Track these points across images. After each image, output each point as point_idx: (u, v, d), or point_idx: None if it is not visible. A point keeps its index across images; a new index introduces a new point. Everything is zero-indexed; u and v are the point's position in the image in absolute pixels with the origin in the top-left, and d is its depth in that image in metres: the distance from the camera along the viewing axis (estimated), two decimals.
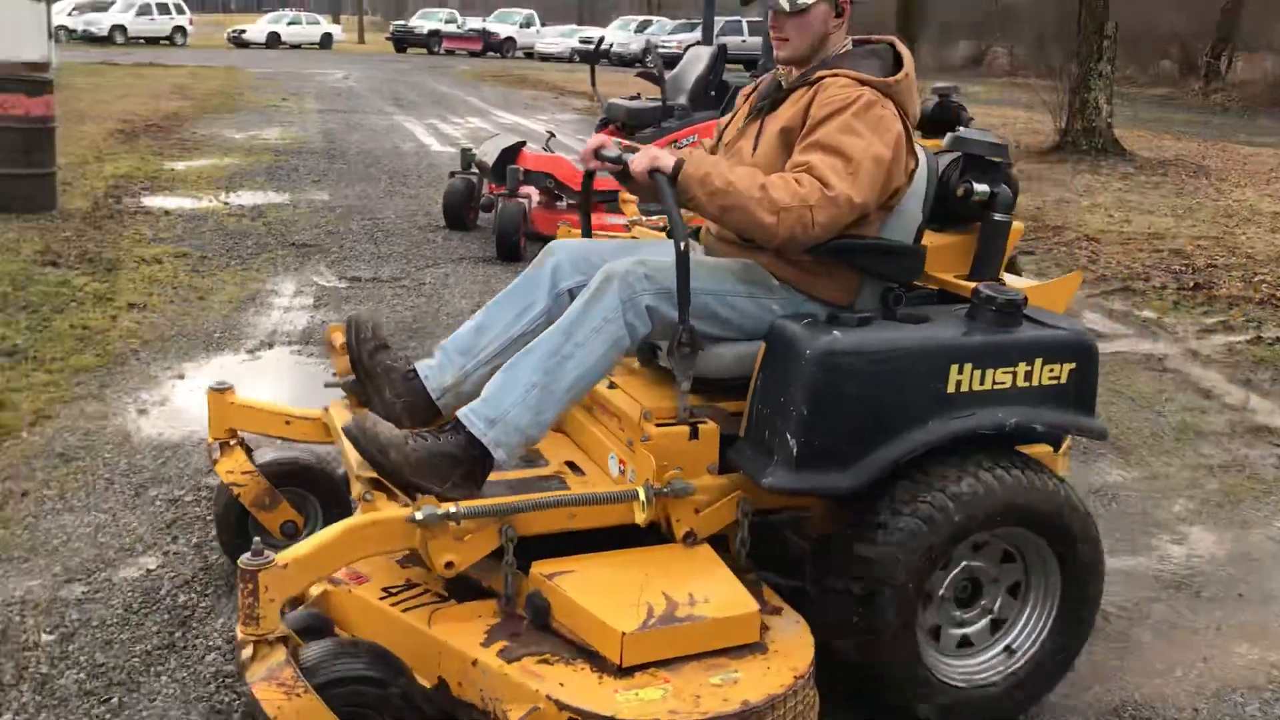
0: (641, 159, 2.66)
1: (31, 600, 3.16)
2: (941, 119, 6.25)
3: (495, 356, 2.79)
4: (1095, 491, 4.29)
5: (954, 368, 2.63)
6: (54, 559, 3.39)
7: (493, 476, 2.67)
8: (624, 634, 2.31)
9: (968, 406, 2.65)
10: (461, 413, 2.59)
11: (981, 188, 2.99)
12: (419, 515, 2.39)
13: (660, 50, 10.57)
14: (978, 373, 2.65)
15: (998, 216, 3.01)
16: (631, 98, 9.08)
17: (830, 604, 2.62)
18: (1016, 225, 3.13)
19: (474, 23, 46.16)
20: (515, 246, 7.68)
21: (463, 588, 2.61)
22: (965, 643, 2.77)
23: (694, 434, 2.69)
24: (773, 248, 2.72)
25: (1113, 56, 15.12)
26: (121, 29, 38.71)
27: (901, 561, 2.54)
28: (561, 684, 2.28)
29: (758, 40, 30.63)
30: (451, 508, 2.41)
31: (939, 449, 2.61)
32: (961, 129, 4.00)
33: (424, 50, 43.36)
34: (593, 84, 9.49)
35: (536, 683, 2.27)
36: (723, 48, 9.28)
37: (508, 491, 2.63)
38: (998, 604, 2.78)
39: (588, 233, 3.28)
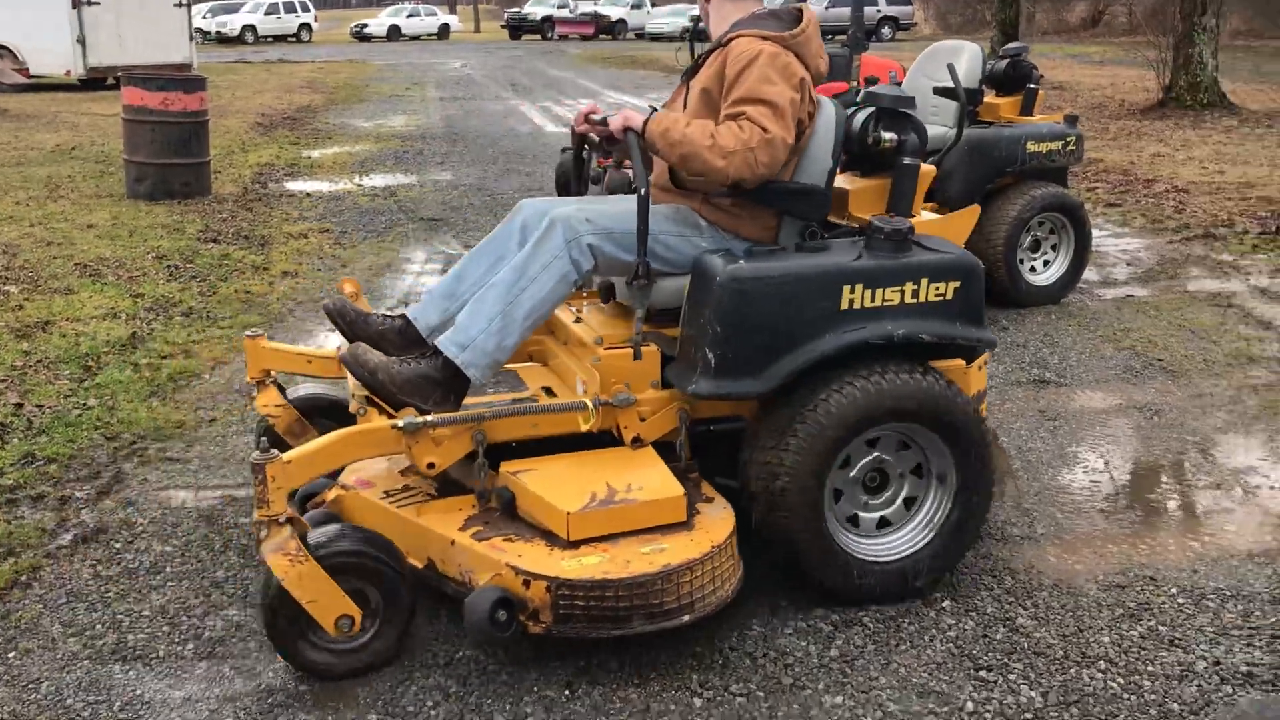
0: (617, 119, 3.17)
1: (230, 495, 3.93)
2: (1015, 77, 6.70)
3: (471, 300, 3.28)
4: (1140, 407, 4.75)
5: (846, 288, 3.05)
6: (243, 466, 4.16)
7: (480, 399, 3.30)
8: (569, 513, 2.87)
9: (859, 321, 3.07)
10: (439, 340, 3.11)
11: (889, 135, 3.46)
12: (401, 423, 2.93)
13: None
14: (868, 292, 3.06)
15: (907, 160, 3.47)
16: None
17: (755, 499, 3.09)
18: (926, 168, 3.59)
19: (586, 6, 46.97)
20: None
21: (453, 489, 3.20)
22: (884, 523, 3.25)
23: (637, 355, 3.17)
24: (727, 186, 3.15)
25: (1218, 9, 15.01)
26: (252, 29, 40.73)
27: (804, 457, 3.00)
28: (520, 555, 2.85)
29: (836, 11, 31.28)
30: (429, 417, 2.96)
31: (837, 359, 3.06)
32: (875, 87, 4.37)
33: (538, 36, 44.40)
34: (692, 56, 10.03)
35: (499, 554, 2.86)
36: None
37: (487, 409, 3.13)
38: (904, 489, 3.24)
39: (584, 190, 3.75)
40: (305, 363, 3.65)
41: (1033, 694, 2.81)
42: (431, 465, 3.00)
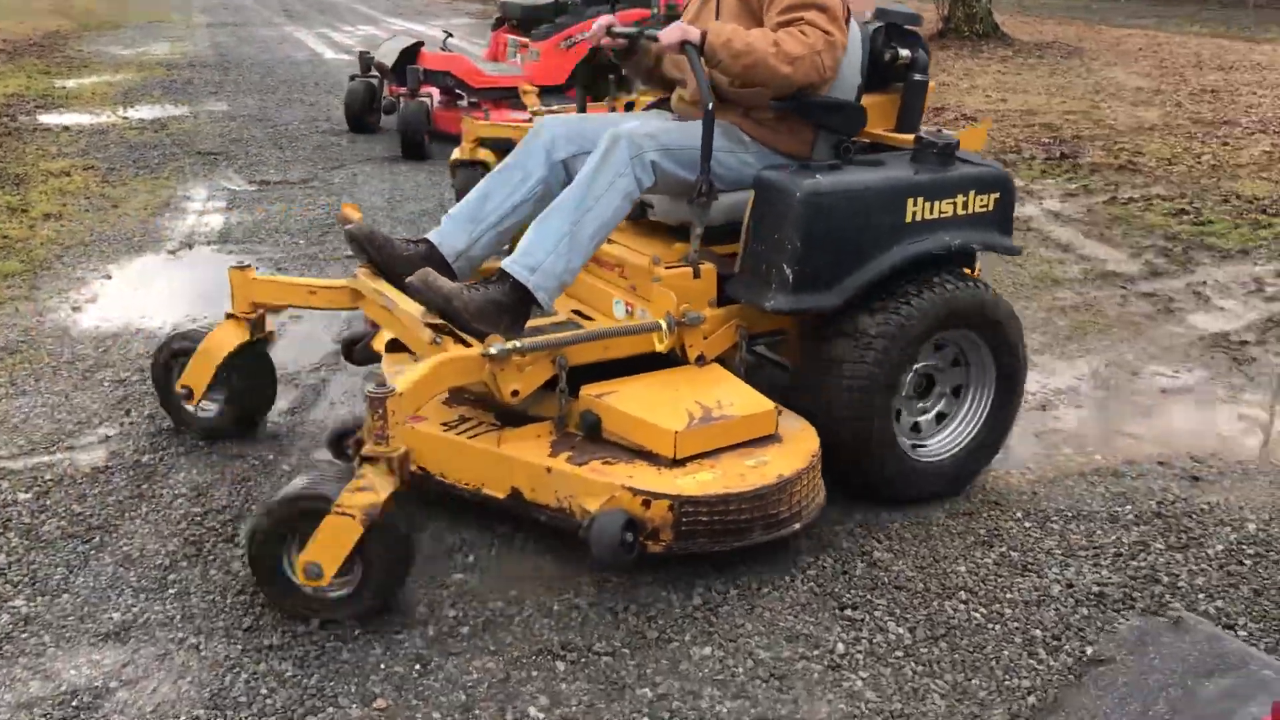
0: (672, 32, 3.06)
1: (3, 467, 3.47)
2: None
3: (499, 221, 3.26)
4: None
5: (909, 201, 3.17)
6: (17, 434, 3.68)
7: (536, 323, 3.20)
8: (676, 432, 2.86)
9: (921, 233, 3.20)
10: (505, 264, 3.02)
11: (904, 52, 3.47)
12: (493, 350, 2.81)
13: None
14: (928, 204, 3.20)
15: (917, 76, 3.52)
16: None
17: (829, 402, 3.14)
18: (930, 84, 3.65)
19: None
20: (420, 145, 7.91)
21: (508, 417, 3.10)
22: (930, 424, 3.42)
23: (696, 274, 3.19)
24: (789, 92, 3.15)
25: None
26: None
27: (882, 367, 3.10)
28: (630, 476, 2.82)
29: None
30: (517, 343, 2.85)
31: (902, 270, 3.17)
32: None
33: None
34: None
35: (609, 477, 2.81)
36: None
37: (567, 333, 3.05)
38: (944, 397, 3.42)
39: (583, 107, 3.74)
40: (308, 294, 3.43)
41: (900, 630, 2.76)
42: (515, 392, 2.90)
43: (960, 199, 3.25)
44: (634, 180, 3.09)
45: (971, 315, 3.26)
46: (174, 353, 3.60)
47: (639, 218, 3.57)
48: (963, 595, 2.90)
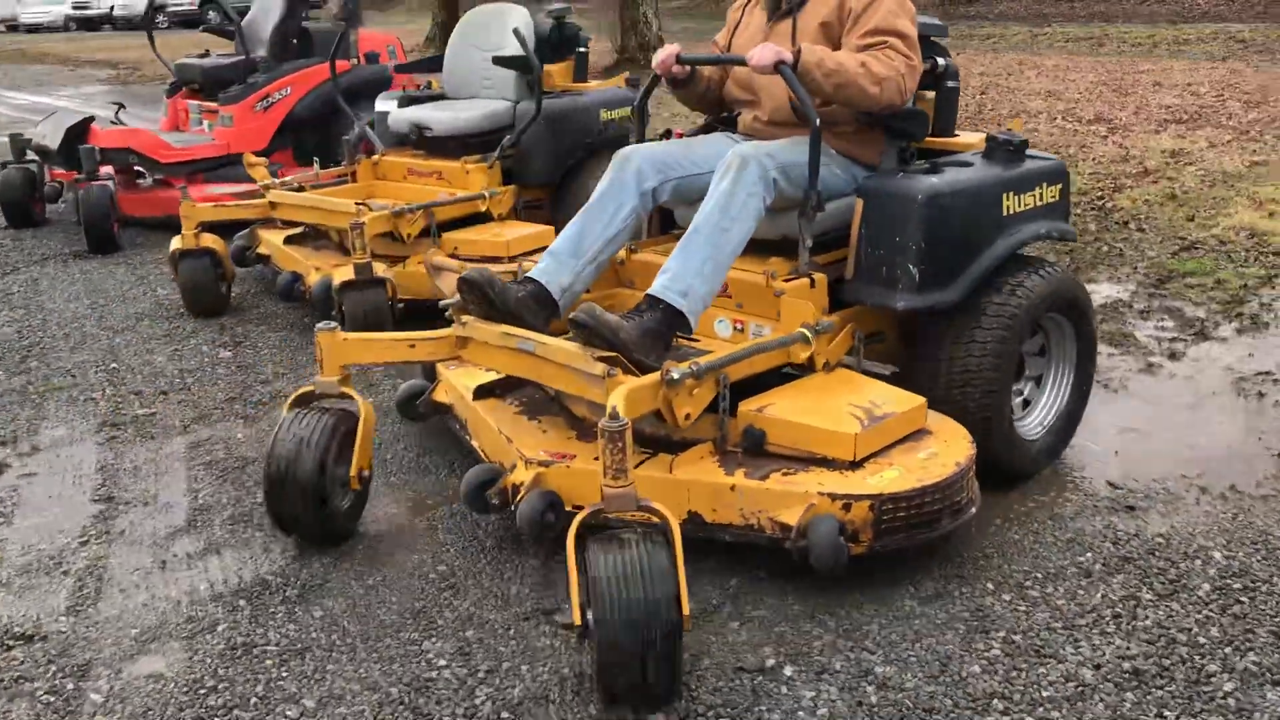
0: (766, 53, 3.18)
1: None
2: (564, 40, 6.18)
3: (598, 255, 3.30)
4: None
5: (1004, 196, 3.41)
6: None
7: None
8: (856, 435, 2.91)
9: (1016, 225, 3.45)
10: (657, 291, 3.04)
11: (941, 61, 3.69)
12: (675, 374, 2.81)
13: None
14: (1017, 198, 3.45)
15: (950, 83, 3.75)
16: (201, 55, 8.24)
17: (955, 391, 3.29)
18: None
19: None
20: (110, 236, 6.77)
21: (650, 443, 3.11)
22: (1024, 404, 3.64)
23: (812, 284, 3.30)
24: (876, 111, 3.35)
25: None
26: None
27: (1004, 346, 3.29)
28: (820, 482, 2.86)
29: None
30: (691, 367, 2.87)
31: (1005, 261, 3.39)
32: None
33: None
34: (153, 47, 8.46)
35: (799, 486, 2.85)
36: None
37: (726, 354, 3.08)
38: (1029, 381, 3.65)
39: (642, 137, 3.84)
40: (407, 349, 3.28)
41: None
42: (688, 415, 2.90)
43: (1038, 191, 3.53)
44: (763, 199, 3.19)
45: (1064, 298, 3.49)
46: None
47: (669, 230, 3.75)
48: (999, 705, 2.50)
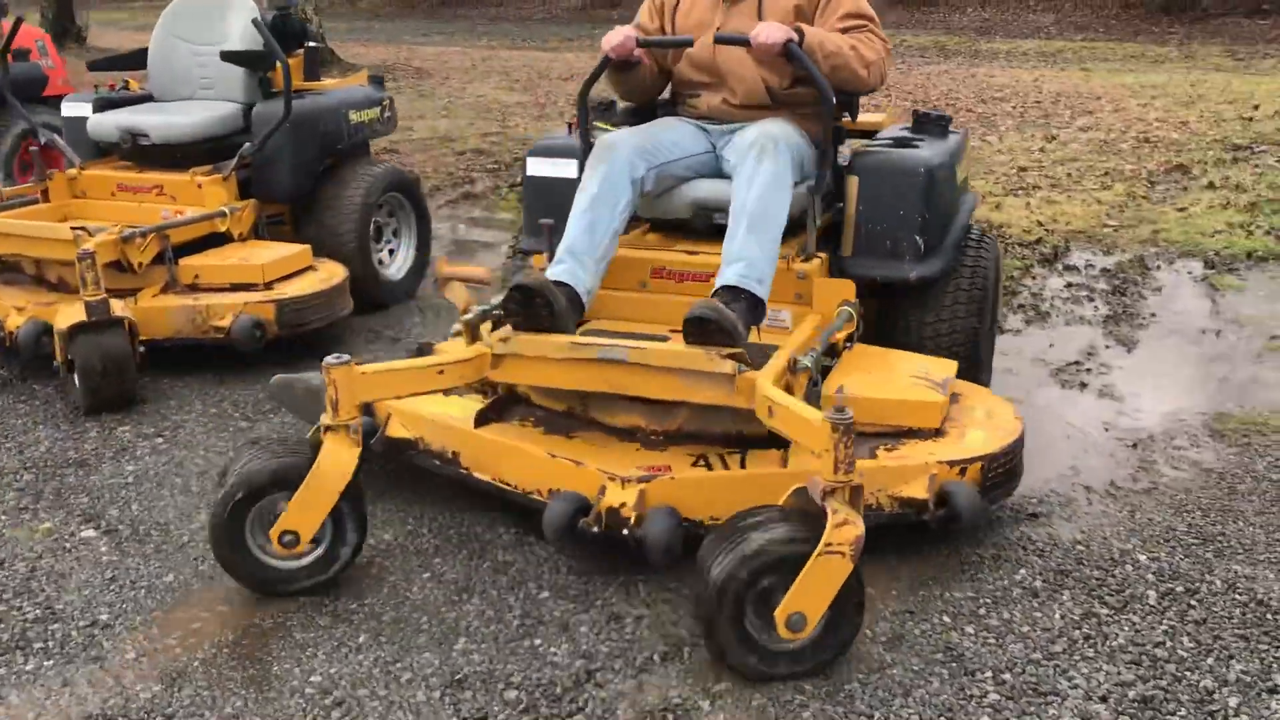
0: (776, 33, 3.09)
1: None
2: (289, 34, 5.44)
3: (607, 251, 3.16)
4: None
5: (958, 167, 3.68)
6: None
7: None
8: (941, 403, 3.03)
9: (962, 194, 3.79)
10: (737, 281, 2.94)
11: None
12: (805, 361, 2.84)
13: None
14: (959, 169, 3.71)
15: None
16: None
17: (941, 351, 3.44)
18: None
19: None
20: None
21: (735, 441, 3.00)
22: None
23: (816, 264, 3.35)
24: (862, 93, 3.47)
25: None
26: None
27: (980, 307, 3.54)
28: (930, 452, 2.90)
29: None
30: (809, 353, 2.91)
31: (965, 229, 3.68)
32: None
33: None
34: None
35: (912, 459, 2.87)
36: None
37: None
38: None
39: (586, 125, 3.53)
40: (436, 375, 2.91)
41: None
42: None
43: (964, 162, 3.83)
44: (792, 180, 3.14)
45: (997, 262, 3.79)
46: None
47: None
48: None
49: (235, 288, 4.40)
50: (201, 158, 4.85)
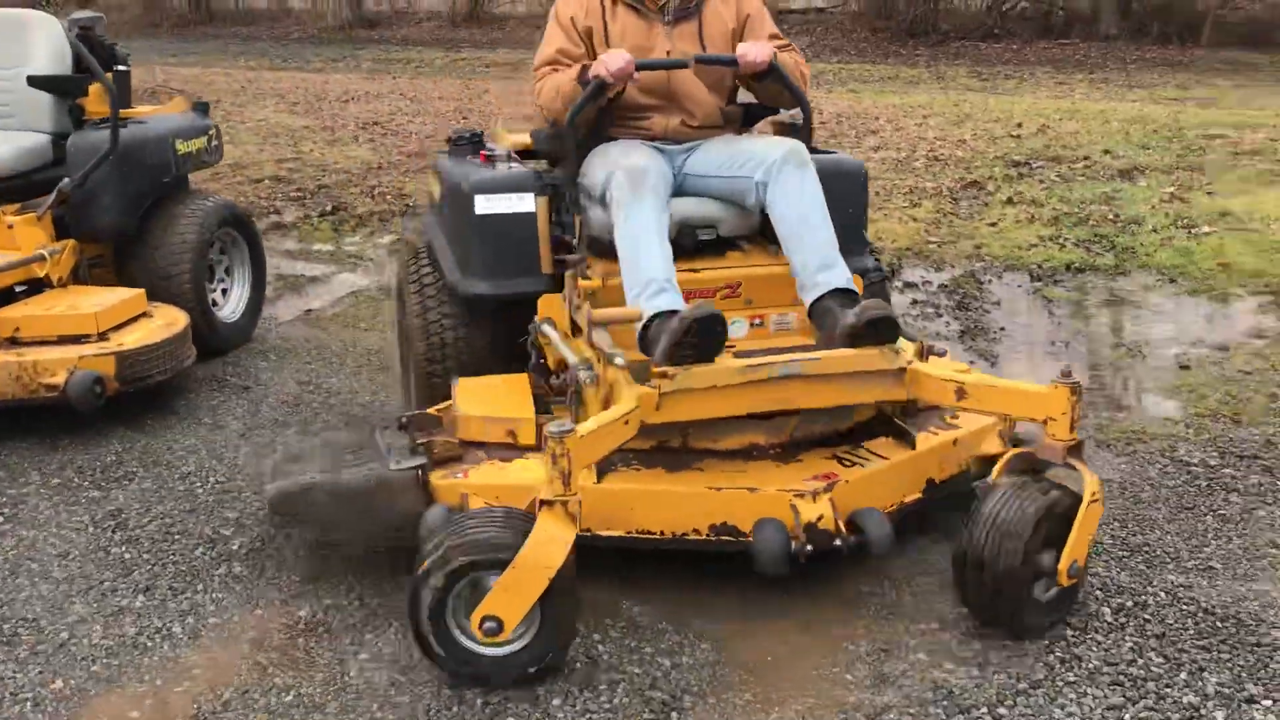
0: (763, 52, 3.25)
1: None
2: (98, 57, 4.94)
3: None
4: None
5: None
6: None
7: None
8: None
9: None
10: (845, 284, 3.08)
11: None
12: (939, 349, 3.14)
13: None
14: None
15: None
16: None
17: None
18: None
19: None
20: None
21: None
22: None
23: None
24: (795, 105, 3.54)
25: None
26: None
27: None
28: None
29: None
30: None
31: None
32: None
33: None
34: None
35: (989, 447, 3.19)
36: None
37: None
38: None
39: (573, 153, 3.38)
40: (623, 427, 2.67)
41: None
42: None
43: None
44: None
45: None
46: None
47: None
48: None
49: (64, 340, 3.93)
50: (8, 195, 4.33)
